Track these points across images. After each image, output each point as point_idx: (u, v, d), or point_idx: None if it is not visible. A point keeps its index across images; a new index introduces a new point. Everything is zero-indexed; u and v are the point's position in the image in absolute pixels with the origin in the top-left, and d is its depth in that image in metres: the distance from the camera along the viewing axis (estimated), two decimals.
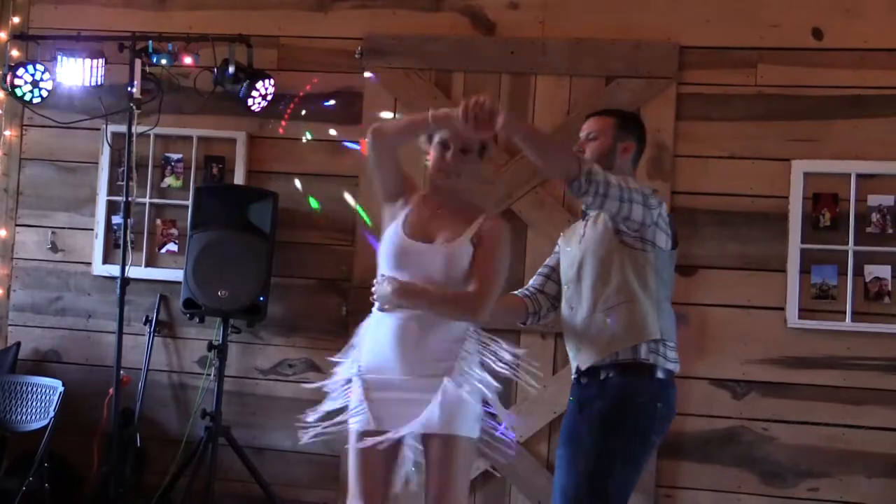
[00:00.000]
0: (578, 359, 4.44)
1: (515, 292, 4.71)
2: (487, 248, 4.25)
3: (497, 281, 4.25)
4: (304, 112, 6.55)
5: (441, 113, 4.19)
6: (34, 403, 6.52)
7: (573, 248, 4.53)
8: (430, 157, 4.31)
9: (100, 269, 6.84)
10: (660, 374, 4.34)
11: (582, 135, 4.57)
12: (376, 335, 4.27)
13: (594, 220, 4.47)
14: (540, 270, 4.75)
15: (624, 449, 4.28)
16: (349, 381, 4.28)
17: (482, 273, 4.21)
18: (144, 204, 6.78)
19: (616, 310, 4.33)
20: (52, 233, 6.97)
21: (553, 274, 4.68)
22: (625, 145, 4.54)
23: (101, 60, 6.56)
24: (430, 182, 4.40)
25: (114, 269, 6.51)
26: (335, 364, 4.34)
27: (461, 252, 4.24)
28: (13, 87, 6.52)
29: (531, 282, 4.74)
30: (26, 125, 7.01)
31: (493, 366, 4.23)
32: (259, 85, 6.49)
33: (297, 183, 6.42)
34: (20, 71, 6.52)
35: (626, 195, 4.23)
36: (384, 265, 4.30)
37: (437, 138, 4.29)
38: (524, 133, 4.33)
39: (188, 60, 6.53)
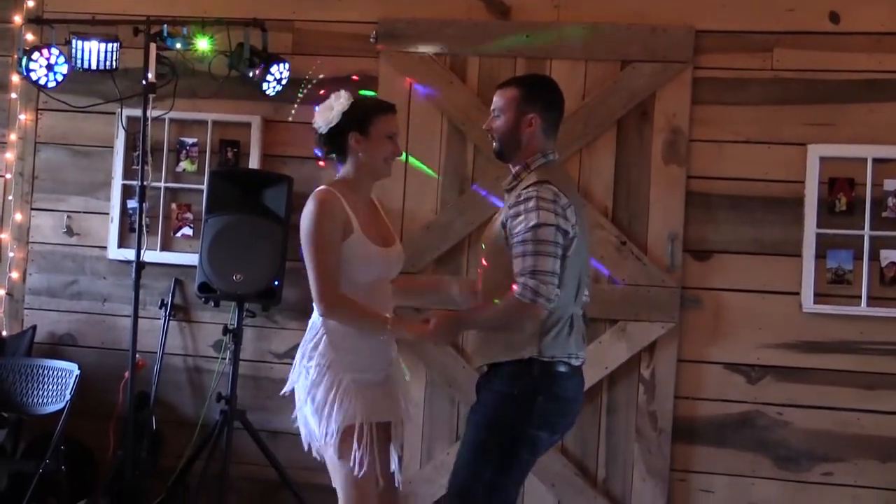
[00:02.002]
0: (472, 354, 4.52)
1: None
2: None
3: None
4: (318, 96, 6.53)
5: (399, 328, 4.40)
6: (50, 387, 6.54)
7: (483, 237, 4.52)
8: (376, 152, 4.42)
9: (115, 253, 6.85)
10: (544, 367, 4.25)
11: (491, 111, 4.45)
12: (355, 336, 4.40)
13: (496, 217, 4.43)
14: None
15: (499, 446, 4.25)
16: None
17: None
18: (159, 188, 6.79)
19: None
20: (68, 217, 6.98)
21: None
22: (528, 118, 4.35)
23: (115, 44, 6.54)
24: (371, 177, 4.51)
25: (129, 253, 6.52)
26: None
27: None
28: (28, 71, 6.51)
29: None
30: (41, 109, 7.02)
31: None
32: (274, 69, 6.48)
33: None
34: (35, 55, 6.50)
35: (552, 264, 4.12)
36: (363, 276, 4.38)
37: (385, 134, 4.43)
38: (476, 327, 4.41)
39: (203, 44, 6.51)
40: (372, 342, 4.42)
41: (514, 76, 4.53)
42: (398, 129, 4.54)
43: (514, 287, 4.13)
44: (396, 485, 4.63)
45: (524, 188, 4.25)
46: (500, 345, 4.28)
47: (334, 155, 4.50)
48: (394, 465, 4.61)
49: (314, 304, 4.36)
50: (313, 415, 4.36)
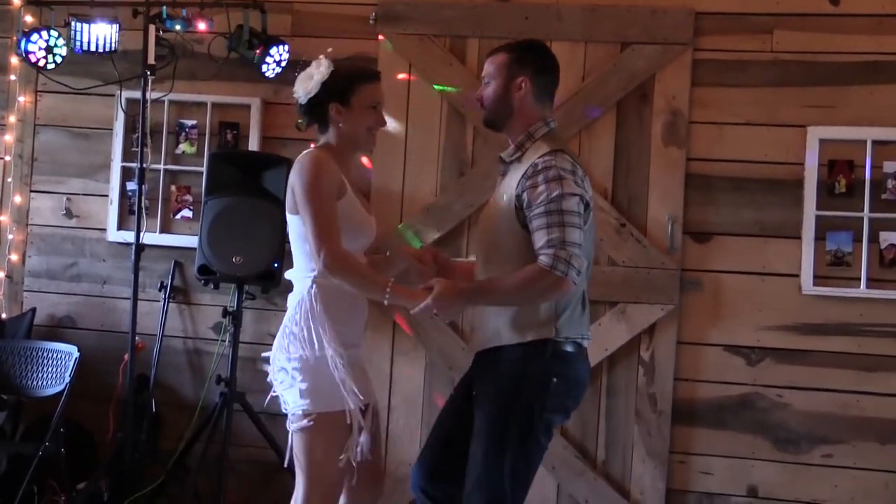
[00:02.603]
0: (474, 336, 4.33)
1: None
2: None
3: None
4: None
5: (399, 295, 4.11)
6: (50, 369, 6.54)
7: (483, 217, 4.38)
8: (358, 122, 4.24)
9: (114, 235, 6.85)
10: (556, 348, 4.12)
11: (482, 79, 4.31)
12: (346, 309, 4.24)
13: (499, 192, 4.26)
14: None
15: (520, 435, 4.09)
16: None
17: None
18: (159, 170, 6.78)
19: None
20: (67, 199, 6.97)
21: None
22: (518, 82, 4.19)
23: (114, 26, 6.54)
24: (354, 148, 4.36)
25: (128, 236, 6.51)
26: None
27: None
28: (27, 53, 6.50)
29: None
30: (40, 91, 7.01)
31: None
32: (273, 51, 6.47)
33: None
34: (34, 37, 6.48)
35: (578, 236, 3.98)
36: (352, 242, 4.20)
37: (368, 103, 4.25)
38: (487, 300, 4.15)
39: (202, 26, 6.51)
40: (356, 313, 4.29)
41: (502, 44, 4.38)
42: (382, 98, 4.33)
43: (542, 258, 3.95)
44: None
45: (539, 157, 4.09)
46: (510, 326, 4.12)
47: (316, 125, 4.33)
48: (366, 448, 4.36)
49: (315, 262, 4.11)
50: (301, 387, 4.18)
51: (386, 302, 4.11)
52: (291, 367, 4.21)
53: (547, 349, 4.10)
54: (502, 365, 4.16)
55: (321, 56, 4.30)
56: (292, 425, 4.25)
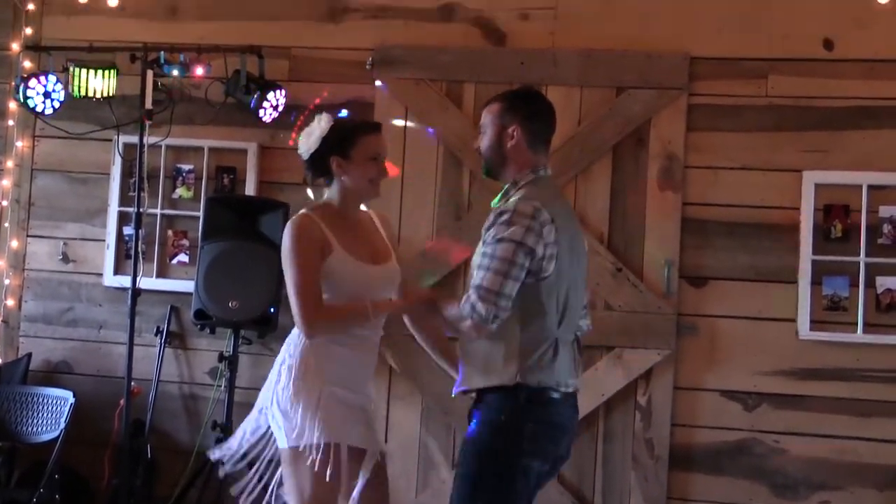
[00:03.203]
0: (456, 381, 4.27)
1: None
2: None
3: None
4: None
5: (381, 308, 4.29)
6: (45, 414, 6.53)
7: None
8: (359, 175, 4.30)
9: (111, 279, 6.85)
10: (531, 392, 4.05)
11: (479, 130, 4.32)
12: (345, 355, 4.29)
13: (483, 232, 4.16)
14: None
15: (494, 479, 4.05)
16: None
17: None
18: (156, 215, 6.79)
19: (474, 344, 4.14)
20: (64, 243, 6.98)
21: None
22: (510, 131, 4.17)
23: (112, 71, 6.58)
24: (357, 199, 4.42)
25: (125, 280, 6.52)
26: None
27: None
28: (25, 98, 6.53)
29: None
30: (38, 136, 7.03)
31: None
32: (270, 95, 6.49)
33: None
34: (32, 82, 6.52)
35: (500, 283, 3.95)
36: (349, 292, 4.27)
37: (368, 155, 4.31)
38: (439, 316, 4.28)
39: (199, 71, 6.55)
40: (349, 358, 4.30)
41: (497, 94, 4.41)
42: (384, 149, 4.39)
43: (463, 301, 4.01)
44: None
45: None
46: (479, 370, 4.14)
47: (322, 179, 4.41)
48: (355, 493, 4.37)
49: (298, 327, 4.24)
50: (284, 421, 4.21)
51: (373, 318, 4.25)
52: (278, 404, 4.25)
53: (520, 394, 4.06)
54: (481, 409, 4.15)
55: (322, 112, 4.38)
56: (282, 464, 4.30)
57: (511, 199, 4.14)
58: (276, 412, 4.24)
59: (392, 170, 4.51)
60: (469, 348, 4.17)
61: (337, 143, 4.28)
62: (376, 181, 4.36)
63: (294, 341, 4.30)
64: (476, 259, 4.12)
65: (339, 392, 4.23)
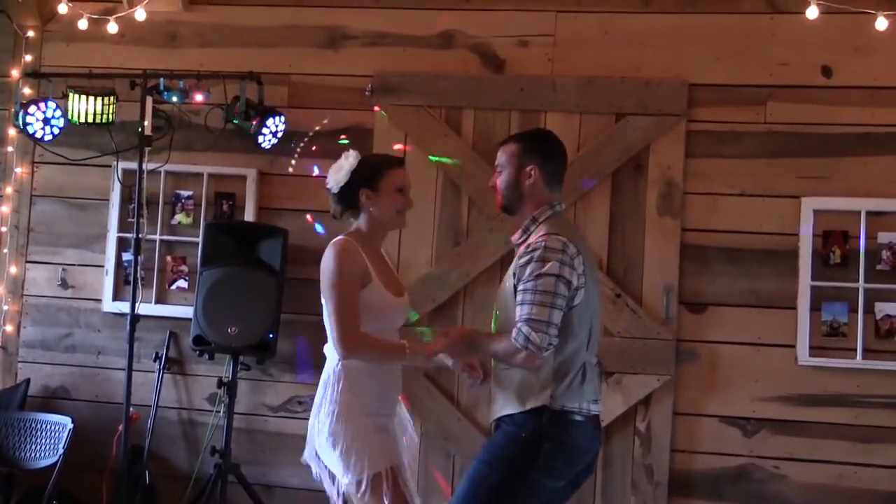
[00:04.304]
0: (491, 410, 4.40)
1: None
2: None
3: None
4: (314, 149, 6.60)
5: (417, 351, 4.45)
6: (43, 440, 6.51)
7: (497, 296, 4.51)
8: (387, 205, 4.50)
9: (110, 305, 6.84)
10: (553, 413, 4.20)
11: (495, 167, 4.50)
12: (371, 381, 4.44)
13: (507, 273, 4.40)
14: None
15: (498, 485, 4.20)
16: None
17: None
18: (155, 241, 6.80)
19: (508, 373, 4.29)
20: (63, 269, 6.98)
21: None
22: (528, 170, 4.37)
23: (112, 98, 6.59)
24: (384, 229, 4.62)
25: (124, 306, 6.51)
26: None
27: None
28: (25, 124, 6.54)
29: None
30: (37, 162, 7.03)
31: None
32: (269, 122, 6.51)
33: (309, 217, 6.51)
34: (32, 109, 6.54)
35: (548, 314, 4.11)
36: (378, 325, 4.43)
37: (394, 187, 4.51)
38: (482, 350, 4.42)
39: (199, 98, 6.56)
40: (384, 384, 4.50)
41: (514, 133, 4.57)
42: (408, 182, 4.60)
43: (514, 333, 4.14)
44: None
45: (535, 239, 4.27)
46: (515, 396, 4.26)
47: (349, 211, 4.58)
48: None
49: (334, 348, 4.36)
50: (339, 460, 4.36)
51: (407, 361, 4.46)
52: (327, 442, 4.39)
53: (544, 414, 4.20)
54: (502, 426, 4.31)
55: (350, 149, 4.56)
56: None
57: (532, 235, 4.33)
58: (329, 455, 4.40)
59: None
60: (504, 376, 4.31)
61: (366, 176, 4.49)
62: (402, 212, 4.57)
63: (324, 384, 4.46)
64: (505, 294, 4.33)
65: (379, 420, 4.46)
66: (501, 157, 4.46)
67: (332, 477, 4.44)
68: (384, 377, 4.49)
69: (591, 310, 4.34)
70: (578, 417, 4.24)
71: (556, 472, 4.26)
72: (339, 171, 4.51)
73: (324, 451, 4.41)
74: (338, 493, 4.46)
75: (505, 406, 4.29)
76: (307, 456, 4.50)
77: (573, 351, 4.23)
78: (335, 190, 4.53)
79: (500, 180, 4.43)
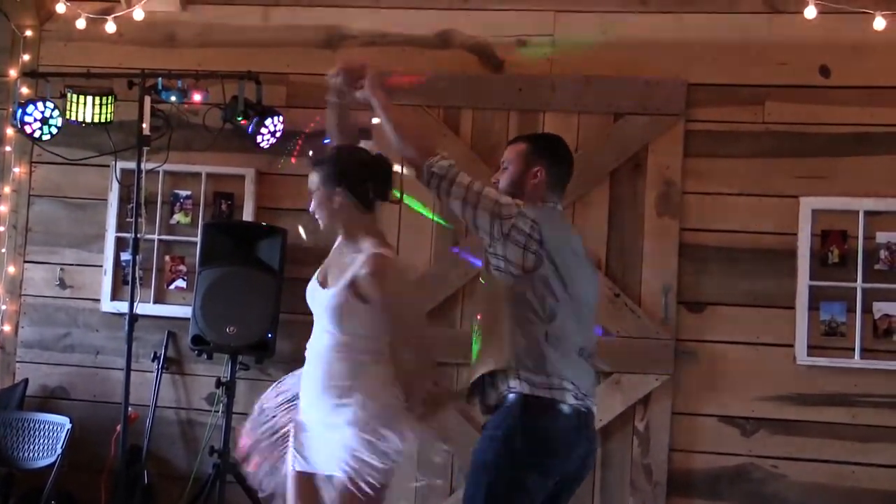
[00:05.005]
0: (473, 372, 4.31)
1: None
2: (374, 299, 4.16)
3: (403, 329, 4.22)
4: (312, 148, 6.59)
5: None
6: (42, 440, 6.51)
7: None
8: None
9: (108, 305, 6.84)
10: (525, 404, 4.09)
11: (500, 163, 4.47)
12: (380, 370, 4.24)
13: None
14: None
15: (491, 494, 4.10)
16: None
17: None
18: (153, 240, 6.79)
19: (482, 339, 4.25)
20: (61, 269, 6.98)
21: None
22: (534, 171, 4.33)
23: (110, 97, 6.59)
24: None
25: (122, 306, 6.51)
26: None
27: (336, 300, 4.22)
28: (23, 124, 6.54)
29: None
30: (35, 162, 7.03)
31: None
32: (268, 122, 6.51)
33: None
34: (30, 108, 6.53)
35: (473, 199, 4.15)
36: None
37: None
38: (383, 108, 4.42)
39: (197, 97, 6.56)
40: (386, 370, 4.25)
41: (524, 134, 4.66)
42: None
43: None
44: None
45: None
46: (479, 361, 4.22)
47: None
48: None
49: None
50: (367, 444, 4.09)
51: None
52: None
53: (514, 409, 4.11)
54: (485, 425, 4.23)
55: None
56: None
57: None
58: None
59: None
60: (491, 333, 4.23)
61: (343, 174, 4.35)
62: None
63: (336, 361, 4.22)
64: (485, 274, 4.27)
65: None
66: (508, 154, 4.44)
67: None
68: (385, 363, 4.22)
69: (578, 294, 4.25)
70: (563, 407, 4.13)
71: (539, 466, 4.13)
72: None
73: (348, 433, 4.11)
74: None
75: (485, 364, 4.19)
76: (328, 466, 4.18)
77: (538, 323, 4.13)
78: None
79: (504, 177, 4.39)
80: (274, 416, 4.40)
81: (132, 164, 6.47)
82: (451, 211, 4.27)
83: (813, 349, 6.13)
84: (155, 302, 6.78)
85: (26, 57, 7.01)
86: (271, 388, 4.49)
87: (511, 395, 4.13)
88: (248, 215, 6.72)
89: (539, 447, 4.13)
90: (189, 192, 6.84)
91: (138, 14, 6.74)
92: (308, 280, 4.45)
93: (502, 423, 4.14)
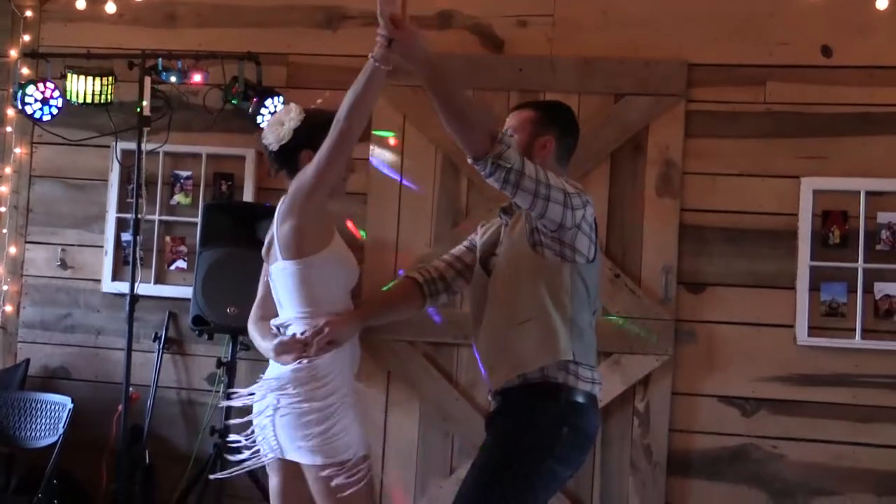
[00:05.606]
0: (491, 379, 4.13)
1: (413, 273, 4.39)
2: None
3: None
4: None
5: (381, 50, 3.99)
6: (43, 420, 6.52)
7: (484, 274, 4.18)
8: None
9: (109, 286, 6.85)
10: (571, 396, 3.98)
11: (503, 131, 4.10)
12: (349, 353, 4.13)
13: (512, 226, 4.13)
14: (445, 256, 4.42)
15: (515, 476, 3.92)
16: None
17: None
18: (154, 221, 6.80)
19: (524, 327, 4.00)
20: (62, 250, 6.98)
21: (458, 263, 4.37)
22: (543, 141, 4.11)
23: (110, 78, 6.59)
24: (333, 197, 4.18)
25: (123, 286, 6.53)
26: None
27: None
28: (23, 104, 6.54)
29: (434, 263, 4.42)
30: (36, 143, 7.03)
31: None
32: (268, 102, 6.50)
33: None
34: (30, 89, 6.53)
35: (544, 191, 3.84)
36: (344, 280, 4.13)
37: None
38: (445, 83, 3.95)
39: (197, 78, 6.56)
40: (353, 358, 4.16)
41: (530, 101, 4.36)
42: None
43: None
44: None
45: None
46: (531, 352, 4.00)
47: (285, 172, 4.16)
48: None
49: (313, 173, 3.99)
50: (313, 439, 3.95)
51: (378, 62, 4.01)
52: (304, 419, 4.01)
53: (561, 397, 3.99)
54: (513, 408, 4.06)
55: (291, 103, 4.24)
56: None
57: None
58: (298, 431, 4.00)
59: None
60: (511, 335, 4.06)
61: (309, 136, 4.06)
62: (346, 178, 4.20)
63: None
64: (514, 254, 4.07)
65: (349, 396, 4.05)
66: (512, 121, 4.19)
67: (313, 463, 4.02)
68: (353, 351, 4.14)
69: (597, 278, 4.17)
70: (587, 401, 4.03)
71: (570, 459, 4.06)
72: (280, 127, 4.09)
73: (301, 434, 4.00)
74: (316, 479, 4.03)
75: (517, 364, 4.02)
76: (272, 448, 4.09)
77: (584, 310, 4.06)
78: (274, 147, 4.11)
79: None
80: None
81: (132, 145, 6.49)
82: (519, 202, 3.94)
83: (813, 330, 6.12)
84: (156, 282, 6.79)
85: (27, 37, 7.00)
86: None
87: (553, 384, 3.99)
88: (248, 196, 6.72)
89: (576, 443, 4.04)
90: (189, 173, 6.84)
91: None
92: None
93: (540, 412, 3.99)
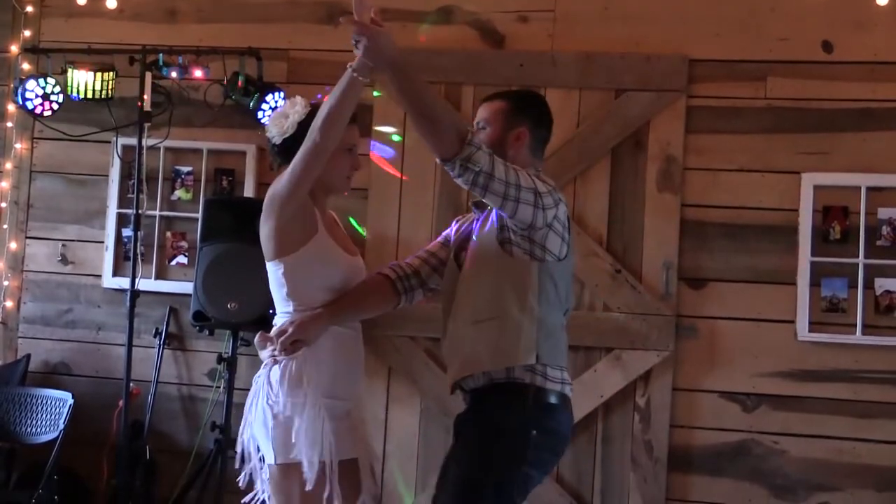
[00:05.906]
0: (449, 374, 4.10)
1: (385, 270, 4.32)
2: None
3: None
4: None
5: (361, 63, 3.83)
6: (44, 416, 6.52)
7: (454, 269, 4.13)
8: (333, 165, 4.00)
9: (110, 281, 6.85)
10: (539, 397, 3.92)
11: (475, 124, 4.12)
12: (331, 362, 4.08)
13: (483, 221, 4.07)
14: (419, 253, 4.36)
15: (493, 489, 3.86)
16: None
17: None
18: (154, 216, 6.80)
19: (482, 326, 3.95)
20: (63, 245, 6.98)
21: (432, 259, 4.30)
22: (517, 132, 4.03)
23: (111, 73, 6.59)
24: (331, 191, 4.15)
25: (124, 282, 6.53)
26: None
27: None
28: (24, 100, 6.54)
29: (408, 259, 4.35)
30: (37, 138, 7.03)
31: None
32: (269, 98, 6.49)
33: None
34: (31, 84, 6.53)
35: (513, 193, 3.80)
36: (331, 279, 4.07)
37: (344, 146, 4.04)
38: (411, 83, 3.82)
39: (198, 73, 6.56)
40: (349, 364, 4.15)
41: (500, 91, 4.29)
42: (359, 141, 4.19)
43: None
44: None
45: None
46: (490, 351, 3.94)
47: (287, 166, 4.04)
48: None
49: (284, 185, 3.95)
50: (273, 435, 3.98)
51: (356, 73, 3.84)
52: (266, 418, 4.03)
53: (528, 397, 3.93)
54: (480, 413, 4.03)
55: (297, 96, 4.18)
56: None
57: None
58: (262, 427, 4.03)
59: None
60: (472, 333, 4.02)
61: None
62: (349, 174, 4.15)
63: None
64: (483, 252, 4.01)
65: (328, 402, 4.01)
66: (484, 113, 4.10)
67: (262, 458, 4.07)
68: (335, 355, 4.08)
69: (569, 276, 4.12)
70: (558, 401, 3.98)
71: (543, 462, 4.02)
72: (285, 120, 4.04)
73: (261, 424, 4.02)
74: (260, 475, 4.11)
75: (481, 361, 3.95)
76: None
77: (554, 310, 4.00)
78: (277, 141, 4.07)
79: (482, 138, 3.96)
80: None
81: (133, 140, 6.48)
82: (485, 201, 3.92)
83: (814, 325, 6.13)
84: (156, 278, 6.79)
85: (27, 33, 7.00)
86: None
87: (519, 385, 3.94)
88: (248, 191, 6.73)
89: (548, 444, 3.99)
90: (190, 168, 6.84)
91: None
92: None
93: (508, 416, 3.94)
